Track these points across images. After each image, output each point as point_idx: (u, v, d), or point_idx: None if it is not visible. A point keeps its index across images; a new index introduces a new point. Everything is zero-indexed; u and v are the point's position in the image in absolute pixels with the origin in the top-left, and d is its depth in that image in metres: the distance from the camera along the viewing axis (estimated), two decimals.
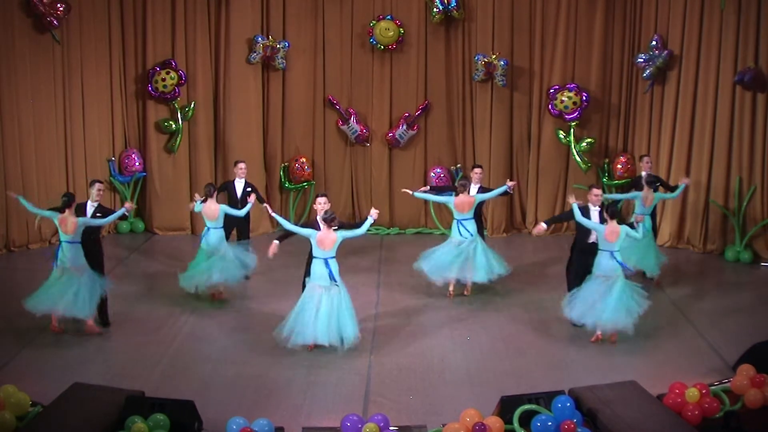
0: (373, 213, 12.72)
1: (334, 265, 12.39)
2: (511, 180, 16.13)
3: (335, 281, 12.37)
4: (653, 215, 15.68)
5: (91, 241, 13.25)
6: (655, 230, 15.84)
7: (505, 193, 15.31)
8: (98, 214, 13.32)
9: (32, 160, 17.40)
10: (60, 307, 12.67)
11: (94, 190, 13.56)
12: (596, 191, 13.41)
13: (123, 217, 14.09)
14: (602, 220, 12.98)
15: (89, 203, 13.47)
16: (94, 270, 13.10)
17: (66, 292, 12.69)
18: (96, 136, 18.55)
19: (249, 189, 15.56)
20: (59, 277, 12.84)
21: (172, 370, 11.84)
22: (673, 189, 15.84)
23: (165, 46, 18.79)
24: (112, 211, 13.80)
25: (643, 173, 15.79)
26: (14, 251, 17.19)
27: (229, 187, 15.84)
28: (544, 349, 12.69)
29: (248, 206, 14.79)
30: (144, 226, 19.31)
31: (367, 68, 19.24)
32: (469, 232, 14.78)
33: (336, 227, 12.38)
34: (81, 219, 12.92)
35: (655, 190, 15.35)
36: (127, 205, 13.75)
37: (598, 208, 13.27)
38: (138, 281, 15.67)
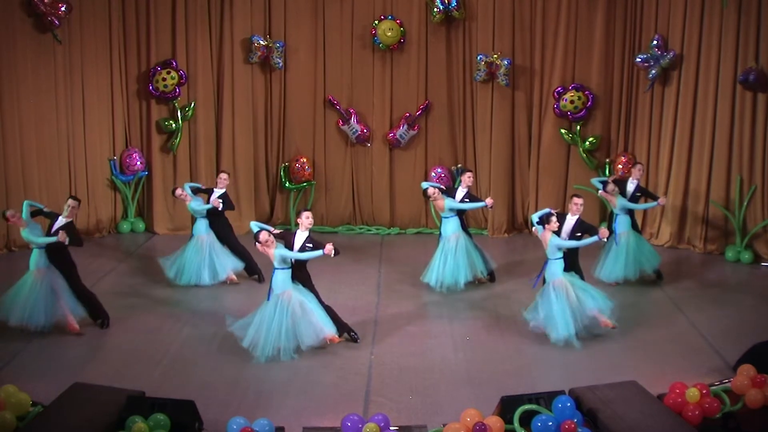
0: (328, 248, 12.18)
1: (279, 277, 12.30)
2: (489, 199, 15.92)
3: (270, 291, 12.32)
4: (632, 214, 15.70)
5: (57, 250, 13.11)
6: (636, 227, 15.90)
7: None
8: (60, 229, 12.90)
9: (33, 160, 17.43)
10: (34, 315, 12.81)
11: (67, 207, 13.19)
12: (577, 200, 13.48)
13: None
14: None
15: (60, 218, 13.11)
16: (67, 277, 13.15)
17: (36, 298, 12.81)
18: (97, 135, 18.58)
19: (220, 199, 15.37)
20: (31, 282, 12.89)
21: (173, 370, 11.85)
22: (653, 198, 15.99)
23: (166, 45, 18.82)
24: (54, 234, 12.94)
25: (630, 179, 15.73)
26: (15, 251, 17.20)
27: (208, 192, 15.77)
28: (544, 348, 12.66)
29: (207, 206, 15.32)
30: (144, 226, 19.33)
31: (367, 68, 19.23)
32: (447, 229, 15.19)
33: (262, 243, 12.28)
34: (23, 232, 12.88)
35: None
36: (60, 236, 12.73)
37: (576, 216, 13.33)
38: (139, 280, 15.67)
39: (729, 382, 10.56)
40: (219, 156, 19.14)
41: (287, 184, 19.23)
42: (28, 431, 9.42)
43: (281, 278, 12.28)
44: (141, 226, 19.29)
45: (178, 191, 15.40)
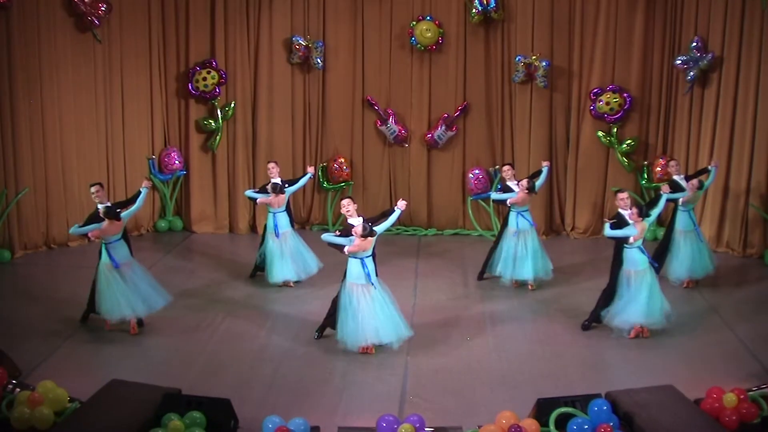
0: (401, 204, 12.73)
1: (370, 264, 12.38)
2: (544, 161, 16.40)
3: (371, 281, 12.34)
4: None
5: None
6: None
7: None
8: (118, 210, 13.13)
9: (73, 159, 17.59)
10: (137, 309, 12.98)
11: (94, 195, 13.33)
12: (621, 195, 13.45)
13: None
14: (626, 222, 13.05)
15: (100, 207, 13.08)
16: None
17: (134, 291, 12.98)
18: (136, 134, 18.73)
19: (286, 185, 15.53)
20: (117, 278, 12.98)
21: (209, 368, 11.91)
22: (704, 172, 15.99)
23: (204, 45, 18.92)
24: (133, 199, 13.60)
25: (676, 177, 15.59)
26: (54, 248, 17.35)
27: (273, 188, 15.80)
28: (581, 351, 12.64)
29: (307, 175, 15.94)
30: (182, 225, 19.44)
31: (406, 69, 19.20)
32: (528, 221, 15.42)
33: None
34: (123, 214, 12.97)
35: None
36: (146, 182, 13.71)
37: (628, 210, 13.20)
38: (176, 279, 15.73)
39: (767, 387, 10.48)
40: (255, 156, 19.21)
41: (325, 185, 19.26)
42: (65, 426, 9.53)
43: (372, 267, 12.41)
44: (179, 224, 19.41)
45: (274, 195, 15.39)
